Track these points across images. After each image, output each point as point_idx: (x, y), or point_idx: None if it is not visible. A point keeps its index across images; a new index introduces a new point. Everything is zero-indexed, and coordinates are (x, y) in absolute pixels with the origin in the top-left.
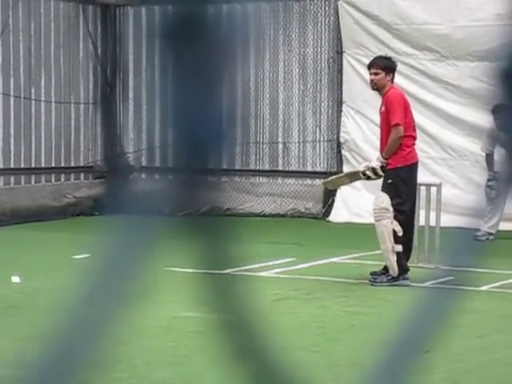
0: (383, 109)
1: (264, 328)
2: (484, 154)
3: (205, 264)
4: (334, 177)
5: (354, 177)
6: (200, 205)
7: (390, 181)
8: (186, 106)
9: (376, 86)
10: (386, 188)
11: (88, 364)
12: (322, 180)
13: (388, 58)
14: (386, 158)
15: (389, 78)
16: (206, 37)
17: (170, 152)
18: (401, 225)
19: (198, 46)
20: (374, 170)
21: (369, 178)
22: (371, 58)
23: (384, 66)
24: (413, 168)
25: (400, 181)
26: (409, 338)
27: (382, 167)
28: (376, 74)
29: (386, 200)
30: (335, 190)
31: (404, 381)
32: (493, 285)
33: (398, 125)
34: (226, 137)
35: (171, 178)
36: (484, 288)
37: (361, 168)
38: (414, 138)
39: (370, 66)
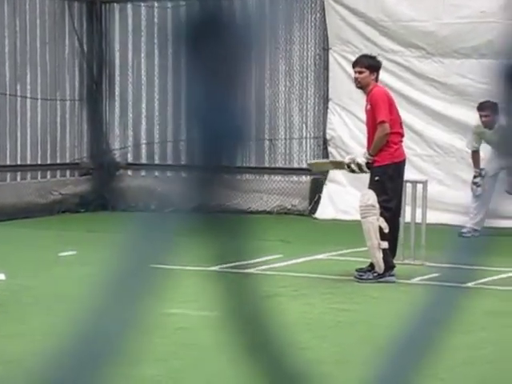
0: (368, 107)
1: (271, 324)
2: (470, 151)
3: (216, 259)
4: (319, 160)
5: (338, 166)
6: (218, 202)
7: (377, 178)
8: (205, 103)
9: (360, 85)
10: (372, 185)
11: (108, 360)
12: (307, 162)
13: (373, 57)
14: (372, 155)
15: (373, 77)
16: (224, 34)
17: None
18: (387, 221)
19: (216, 44)
20: (359, 165)
21: (353, 171)
22: (357, 55)
23: (368, 64)
24: (400, 165)
25: (387, 178)
26: (414, 336)
27: (367, 164)
28: (360, 72)
29: (372, 197)
30: (321, 187)
31: (410, 381)
32: (478, 281)
33: (383, 122)
34: (245, 134)
35: (187, 176)
36: (469, 284)
37: (346, 160)
38: (402, 135)
39: (354, 65)
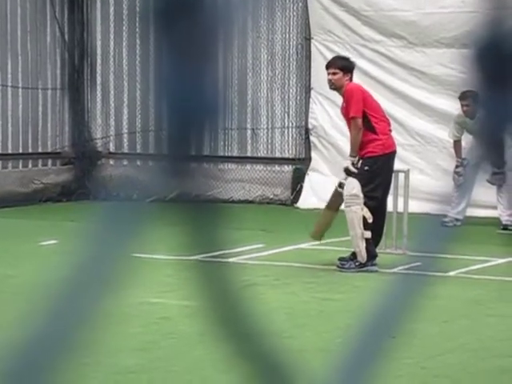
0: (344, 105)
1: (252, 313)
2: (452, 141)
3: (192, 248)
4: (318, 221)
5: (335, 202)
6: (196, 191)
7: (366, 168)
8: (180, 84)
9: (334, 86)
10: (361, 174)
11: (69, 349)
12: (311, 236)
13: (346, 59)
14: (354, 156)
15: (347, 78)
16: (201, 13)
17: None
18: (371, 211)
19: (191, 23)
20: (346, 170)
21: (349, 175)
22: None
23: (342, 66)
24: (390, 156)
25: (377, 168)
26: (377, 323)
27: (353, 164)
28: (334, 73)
29: (356, 186)
30: (304, 177)
31: (372, 367)
32: (460, 270)
33: (354, 118)
34: (219, 117)
35: (162, 164)
36: (451, 274)
37: (336, 184)
38: (389, 123)
39: (327, 66)
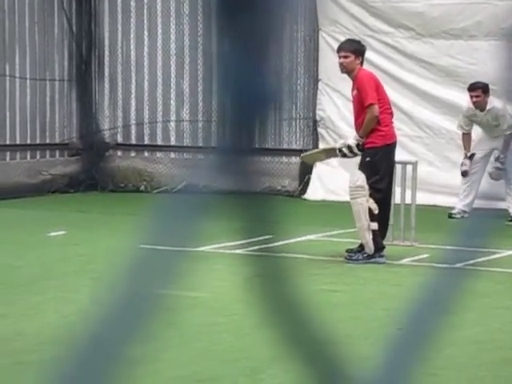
0: (355, 92)
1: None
2: (460, 133)
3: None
4: (312, 151)
5: (330, 153)
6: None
7: (368, 159)
8: (240, 68)
9: (345, 70)
10: (363, 166)
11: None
12: (300, 155)
13: (357, 42)
14: (362, 137)
15: (358, 62)
16: (261, 6)
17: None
18: (377, 203)
19: (252, 13)
20: (349, 147)
21: (344, 155)
22: (347, 36)
23: (353, 49)
24: (391, 147)
25: (378, 159)
26: (420, 316)
27: (357, 146)
28: (345, 57)
29: (361, 178)
30: (311, 168)
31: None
32: (467, 262)
33: (372, 105)
34: (279, 95)
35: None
36: (457, 266)
37: (337, 145)
38: (392, 115)
39: (339, 50)
